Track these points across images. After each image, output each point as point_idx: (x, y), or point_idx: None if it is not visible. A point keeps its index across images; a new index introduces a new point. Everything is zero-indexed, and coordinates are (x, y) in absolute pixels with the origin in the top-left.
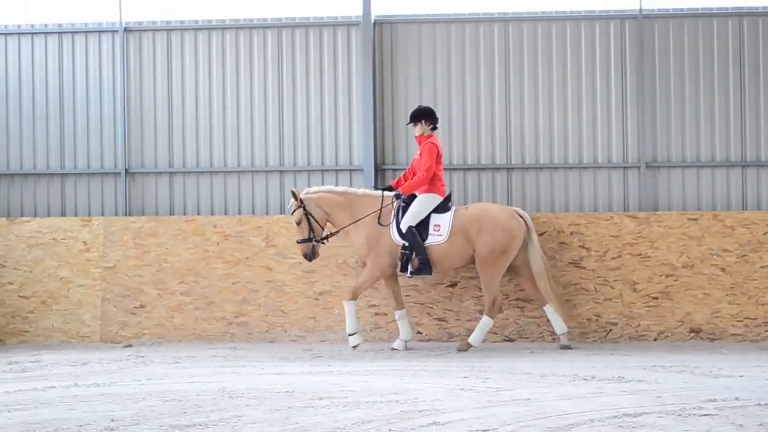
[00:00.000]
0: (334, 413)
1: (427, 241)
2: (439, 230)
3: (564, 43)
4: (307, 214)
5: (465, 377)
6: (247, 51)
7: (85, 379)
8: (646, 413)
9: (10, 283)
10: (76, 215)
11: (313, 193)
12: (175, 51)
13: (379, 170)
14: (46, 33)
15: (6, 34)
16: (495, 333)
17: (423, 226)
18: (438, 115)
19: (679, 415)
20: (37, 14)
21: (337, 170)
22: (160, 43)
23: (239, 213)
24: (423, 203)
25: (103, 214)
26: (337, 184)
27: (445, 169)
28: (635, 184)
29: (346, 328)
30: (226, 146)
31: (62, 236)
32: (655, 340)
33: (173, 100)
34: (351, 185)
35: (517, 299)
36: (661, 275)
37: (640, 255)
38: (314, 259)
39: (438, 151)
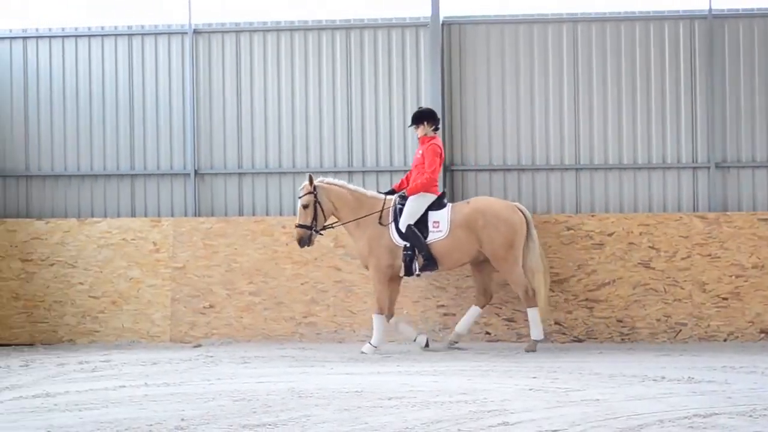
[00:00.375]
0: (403, 413)
1: (428, 239)
2: (438, 226)
3: (633, 43)
4: (316, 201)
5: (534, 377)
6: (316, 52)
7: (155, 378)
8: (717, 414)
9: (81, 283)
10: (145, 216)
11: (328, 183)
12: (244, 52)
13: (448, 171)
14: (116, 35)
15: (76, 37)
16: (564, 333)
17: (422, 224)
18: (506, 115)
19: (750, 416)
20: (107, 17)
21: (405, 171)
22: (228, 45)
23: None
24: (417, 202)
25: (172, 215)
26: None
27: (511, 169)
28: (705, 185)
29: (372, 341)
30: (294, 147)
31: (132, 237)
32: (725, 340)
33: (242, 101)
34: None
35: (586, 299)
36: (730, 276)
37: (709, 255)
38: (307, 246)
39: (441, 153)
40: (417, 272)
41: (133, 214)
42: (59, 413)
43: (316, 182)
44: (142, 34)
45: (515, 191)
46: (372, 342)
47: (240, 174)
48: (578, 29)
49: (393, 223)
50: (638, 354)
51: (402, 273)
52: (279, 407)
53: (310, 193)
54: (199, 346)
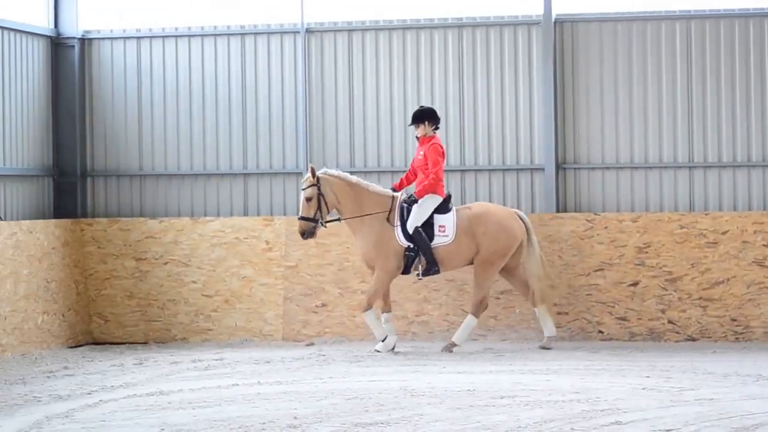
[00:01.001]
0: (516, 412)
1: (433, 242)
2: (444, 231)
3: (746, 40)
4: (320, 194)
5: (647, 377)
6: (428, 51)
7: (267, 377)
8: None
9: (194, 282)
10: (258, 215)
11: (330, 175)
12: (356, 51)
13: (560, 169)
14: (228, 35)
15: (189, 36)
16: (677, 332)
17: (428, 227)
18: (619, 113)
19: None
20: (219, 17)
21: (518, 170)
22: (341, 44)
23: None
24: (425, 204)
25: (284, 214)
26: (518, 185)
27: (624, 168)
28: None
29: (376, 337)
30: (407, 146)
31: (245, 235)
32: None
33: (354, 101)
34: (532, 186)
35: (700, 298)
36: None
37: None
38: (309, 239)
39: (444, 152)
40: (419, 276)
41: (245, 213)
42: (173, 411)
43: (318, 173)
44: (255, 34)
45: (628, 189)
46: (379, 338)
47: (352, 172)
48: (692, 26)
49: (400, 225)
50: (753, 353)
51: (400, 272)
52: (391, 406)
53: (313, 185)
54: (312, 344)
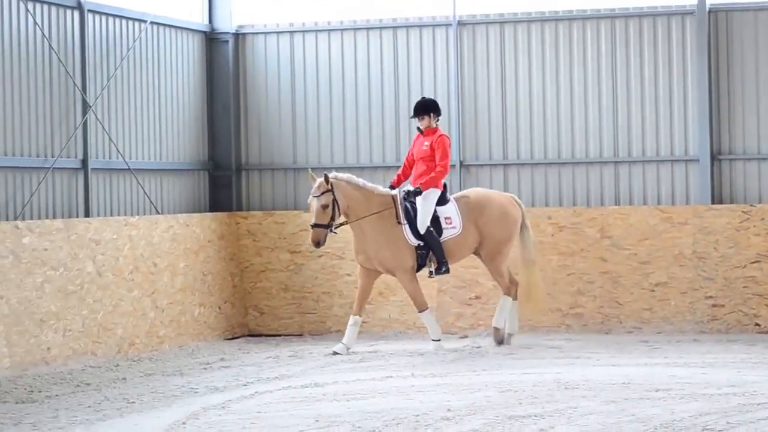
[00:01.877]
0: (671, 405)
1: (442, 236)
2: (451, 223)
3: None
4: (334, 199)
5: None
6: (581, 42)
7: (421, 369)
8: None
9: (348, 275)
10: None
11: (340, 180)
12: (508, 43)
13: (715, 160)
14: (381, 28)
15: (342, 30)
16: None
17: (434, 221)
18: None
19: None
20: (371, 10)
21: (672, 161)
22: (493, 36)
23: (574, 204)
24: (429, 199)
25: None
26: (673, 177)
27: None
28: None
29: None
30: (560, 137)
31: None
32: None
33: (506, 92)
34: (687, 177)
35: None
36: None
37: None
38: (321, 246)
39: (450, 145)
40: (432, 274)
41: None
42: (327, 403)
43: (330, 179)
44: (407, 27)
45: None
46: (433, 338)
47: (505, 165)
48: None
49: (407, 224)
50: None
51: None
52: (545, 398)
53: (328, 191)
54: (466, 337)
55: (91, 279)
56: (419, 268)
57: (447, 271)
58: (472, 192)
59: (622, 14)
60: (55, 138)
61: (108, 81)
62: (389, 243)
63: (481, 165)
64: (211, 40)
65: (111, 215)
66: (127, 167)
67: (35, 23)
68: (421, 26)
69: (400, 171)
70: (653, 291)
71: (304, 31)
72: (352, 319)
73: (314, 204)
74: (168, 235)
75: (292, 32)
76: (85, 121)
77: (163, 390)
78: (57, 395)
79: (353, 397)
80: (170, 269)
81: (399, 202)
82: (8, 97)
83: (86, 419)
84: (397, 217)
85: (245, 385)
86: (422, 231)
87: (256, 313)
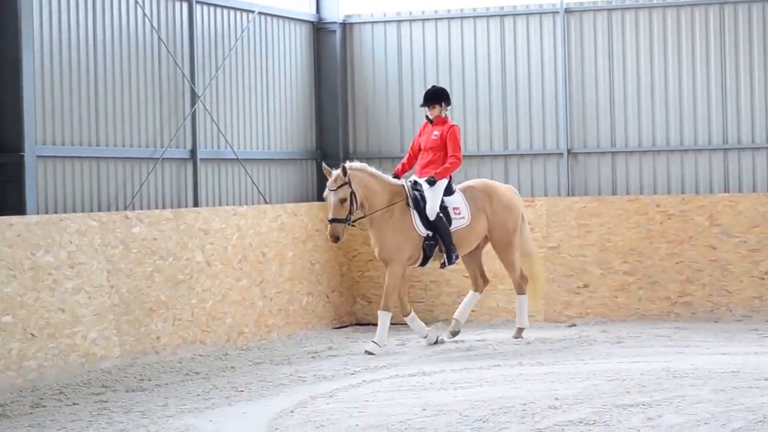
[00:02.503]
0: None
1: (452, 227)
2: (459, 213)
3: None
4: (352, 191)
5: None
6: (689, 28)
7: (529, 358)
8: None
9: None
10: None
11: (356, 170)
12: (616, 30)
13: None
14: (487, 16)
15: (449, 19)
16: None
17: (442, 211)
18: None
19: None
20: None
21: None
22: (600, 23)
23: (682, 192)
24: (437, 188)
25: (545, 195)
26: None
27: None
28: None
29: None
30: (668, 125)
31: None
32: None
33: (614, 79)
34: None
35: None
36: None
37: None
38: (340, 241)
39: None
40: (444, 265)
41: None
42: (434, 392)
43: (349, 172)
44: (514, 15)
45: None
46: (376, 340)
47: (613, 153)
48: None
49: (416, 212)
50: None
51: (418, 264)
52: (653, 387)
53: (345, 183)
54: (574, 325)
55: (200, 268)
56: (425, 260)
57: (457, 258)
58: (476, 182)
59: (731, 0)
60: (165, 129)
61: (216, 71)
62: (395, 231)
63: (589, 153)
64: (318, 29)
65: (219, 205)
66: (235, 157)
67: (144, 15)
68: (528, 14)
69: (404, 160)
70: (763, 279)
71: (411, 20)
72: (411, 317)
73: (331, 198)
74: (276, 225)
75: (399, 21)
76: (194, 111)
77: (271, 378)
78: (166, 384)
79: (460, 386)
80: (278, 258)
81: (408, 192)
82: (118, 90)
83: (195, 407)
84: (408, 206)
85: (353, 373)
86: (432, 218)
87: (363, 302)
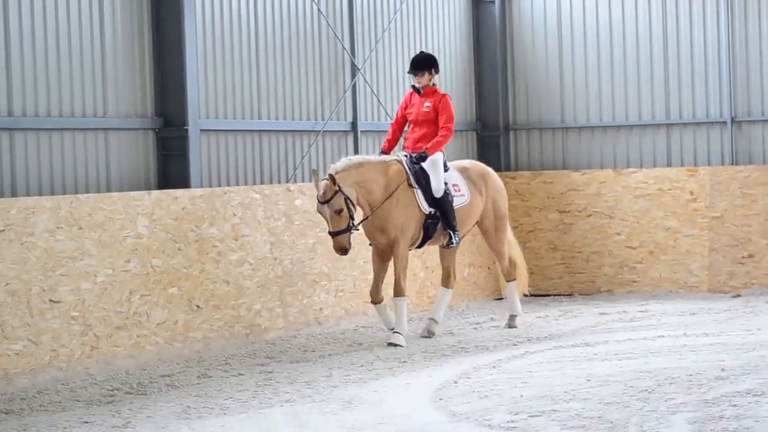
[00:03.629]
0: None
1: (454, 204)
2: (459, 190)
3: None
4: (345, 198)
5: None
6: None
7: (693, 329)
8: None
9: (618, 234)
10: (681, 165)
11: (340, 171)
12: None
13: None
14: None
15: None
16: None
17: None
18: None
19: None
20: None
21: None
22: None
23: None
24: (437, 162)
25: (709, 164)
26: None
27: None
28: None
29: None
30: None
31: (668, 186)
32: None
33: None
34: None
35: None
36: None
37: None
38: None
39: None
40: (448, 245)
41: (668, 164)
42: (598, 362)
43: (336, 178)
44: None
45: None
46: (398, 330)
47: None
48: None
49: (419, 189)
50: None
51: (416, 245)
52: None
53: (337, 192)
54: (738, 296)
55: (362, 240)
56: (424, 241)
57: (458, 239)
58: (469, 163)
59: None
60: (325, 101)
61: (375, 44)
62: (399, 210)
63: (753, 121)
64: (477, 1)
65: None
66: None
67: None
68: None
69: (389, 135)
70: None
71: None
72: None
73: (326, 211)
74: None
75: None
76: (354, 84)
77: (434, 349)
78: (330, 355)
79: (624, 357)
80: None
81: (407, 168)
82: (280, 63)
83: (359, 378)
84: (409, 182)
85: (515, 345)
86: (438, 195)
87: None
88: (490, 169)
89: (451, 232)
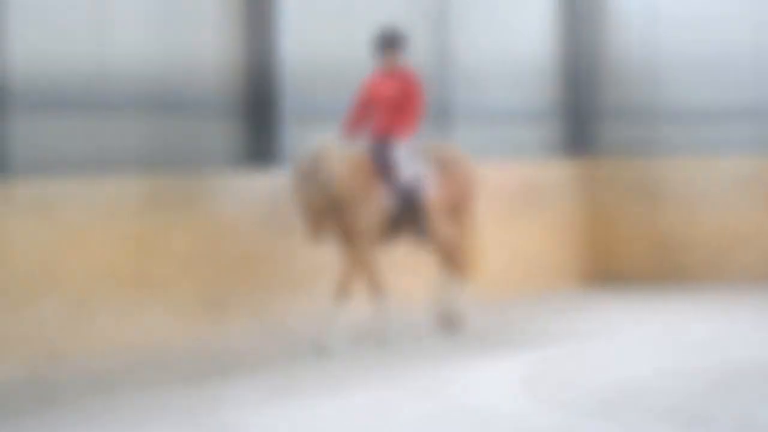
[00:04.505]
0: None
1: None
2: (427, 179)
3: None
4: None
5: None
6: None
7: None
8: None
9: (708, 222)
10: None
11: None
12: None
13: None
14: None
15: None
16: None
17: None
18: None
19: None
20: None
21: None
22: None
23: None
24: (404, 149)
25: None
26: None
27: None
28: None
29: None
30: None
31: (761, 174)
32: None
33: None
34: None
35: None
36: None
37: None
38: None
39: None
40: (423, 236)
41: (761, 152)
42: (687, 352)
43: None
44: None
45: None
46: (389, 335)
47: None
48: None
49: (386, 181)
50: None
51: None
52: None
53: None
54: None
55: None
56: (392, 235)
57: (427, 232)
58: (433, 145)
59: None
60: None
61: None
62: (365, 205)
63: None
64: None
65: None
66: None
67: None
68: None
69: (351, 120)
70: None
71: None
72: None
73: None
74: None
75: None
76: None
77: (510, 338)
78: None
79: (712, 347)
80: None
81: (374, 157)
82: None
83: (439, 365)
84: (374, 173)
85: (599, 333)
86: (406, 185)
87: (613, 259)
88: (459, 154)
89: (421, 224)
